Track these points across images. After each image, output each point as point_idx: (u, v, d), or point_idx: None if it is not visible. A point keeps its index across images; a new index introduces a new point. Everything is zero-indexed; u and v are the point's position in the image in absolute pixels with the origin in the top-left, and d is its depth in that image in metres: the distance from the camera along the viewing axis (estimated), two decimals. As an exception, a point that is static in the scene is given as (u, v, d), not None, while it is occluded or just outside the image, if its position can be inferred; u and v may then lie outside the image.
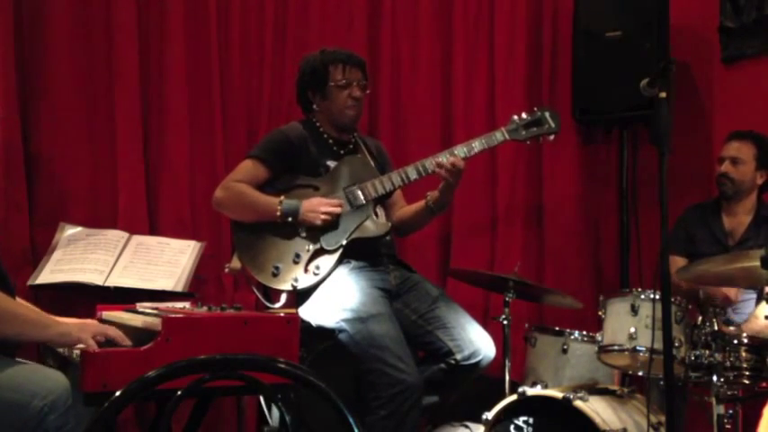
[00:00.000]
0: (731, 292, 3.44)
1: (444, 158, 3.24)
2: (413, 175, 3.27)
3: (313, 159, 3.29)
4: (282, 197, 3.19)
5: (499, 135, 3.34)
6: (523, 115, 3.38)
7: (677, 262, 3.66)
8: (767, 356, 2.90)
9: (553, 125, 3.38)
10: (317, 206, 3.16)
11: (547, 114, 3.38)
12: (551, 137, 3.40)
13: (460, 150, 3.27)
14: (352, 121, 3.37)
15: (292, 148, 3.27)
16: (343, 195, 3.24)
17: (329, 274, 3.15)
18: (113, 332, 2.24)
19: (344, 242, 3.18)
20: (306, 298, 3.15)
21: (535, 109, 3.41)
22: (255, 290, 3.23)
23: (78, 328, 2.26)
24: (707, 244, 3.77)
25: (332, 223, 3.18)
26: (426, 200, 3.34)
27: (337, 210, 3.17)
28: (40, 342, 2.43)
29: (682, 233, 3.85)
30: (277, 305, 3.17)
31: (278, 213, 3.16)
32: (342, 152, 3.36)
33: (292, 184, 3.26)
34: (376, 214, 3.28)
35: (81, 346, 2.19)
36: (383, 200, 3.35)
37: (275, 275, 3.15)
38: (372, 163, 3.39)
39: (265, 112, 4.18)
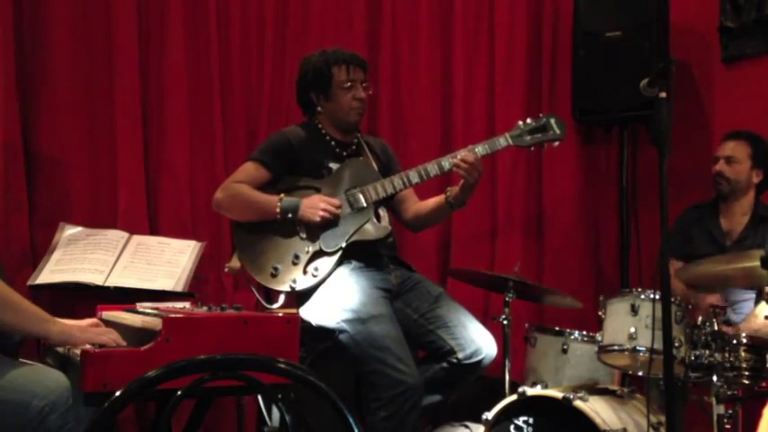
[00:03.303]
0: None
1: (448, 163, 3.24)
2: (414, 179, 3.27)
3: (315, 161, 3.29)
4: (282, 195, 3.19)
5: (503, 140, 3.31)
6: (528, 121, 3.34)
7: (673, 265, 3.66)
8: (767, 356, 2.90)
9: (558, 132, 3.33)
10: (317, 203, 3.16)
11: (552, 121, 3.34)
12: (555, 143, 3.36)
13: (461, 154, 3.26)
14: (357, 123, 3.38)
15: (293, 150, 3.27)
16: (344, 198, 3.24)
17: (328, 275, 3.15)
18: (106, 340, 2.23)
19: (344, 244, 3.18)
20: (307, 298, 3.15)
21: (540, 115, 3.38)
22: (254, 290, 3.23)
23: (78, 329, 2.26)
24: (704, 245, 3.77)
25: (332, 224, 3.18)
26: (446, 195, 3.33)
27: (336, 210, 3.17)
28: (38, 337, 2.43)
29: (679, 236, 3.84)
30: (275, 305, 3.17)
31: (277, 210, 3.16)
32: (344, 154, 3.36)
33: (294, 186, 3.25)
34: (377, 217, 3.28)
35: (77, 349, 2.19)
36: (385, 203, 3.35)
37: (274, 276, 3.15)
38: (375, 165, 3.38)
39: (265, 113, 4.18)
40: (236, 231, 3.27)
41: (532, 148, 3.38)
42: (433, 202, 3.41)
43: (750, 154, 3.75)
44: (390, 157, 3.52)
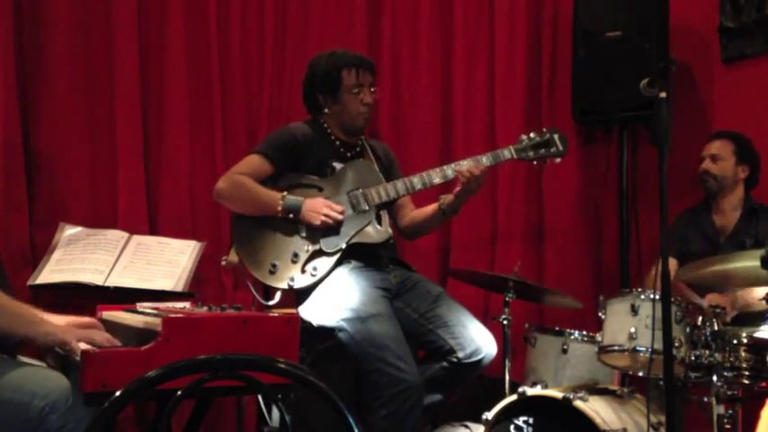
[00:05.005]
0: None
1: (451, 171, 3.25)
2: (418, 186, 3.29)
3: (319, 159, 3.29)
4: (285, 193, 3.19)
5: (507, 153, 3.35)
6: (532, 135, 3.38)
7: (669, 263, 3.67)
8: (767, 356, 2.90)
9: (561, 148, 3.38)
10: (320, 206, 3.16)
11: (555, 136, 3.38)
12: (558, 159, 3.41)
13: (466, 164, 3.27)
14: (363, 127, 3.39)
15: (298, 146, 3.27)
16: (346, 199, 3.24)
17: (326, 275, 3.15)
18: (99, 337, 2.20)
19: (344, 246, 3.18)
20: (306, 297, 3.15)
21: (544, 130, 3.41)
22: (251, 286, 3.23)
23: (63, 330, 2.24)
24: (698, 243, 3.82)
25: (332, 226, 3.18)
26: (439, 203, 3.35)
27: (339, 216, 3.17)
28: (26, 338, 2.42)
29: (674, 237, 3.85)
30: (271, 303, 3.17)
31: (279, 209, 3.16)
32: (348, 155, 3.36)
33: (296, 183, 3.26)
34: (378, 220, 3.28)
35: (66, 348, 2.18)
36: (386, 207, 3.35)
37: (272, 273, 3.15)
38: (378, 168, 3.39)
39: (265, 112, 4.18)
40: (236, 225, 3.26)
41: (536, 163, 3.41)
42: (428, 209, 3.43)
43: (734, 150, 3.83)
44: (392, 160, 3.53)
